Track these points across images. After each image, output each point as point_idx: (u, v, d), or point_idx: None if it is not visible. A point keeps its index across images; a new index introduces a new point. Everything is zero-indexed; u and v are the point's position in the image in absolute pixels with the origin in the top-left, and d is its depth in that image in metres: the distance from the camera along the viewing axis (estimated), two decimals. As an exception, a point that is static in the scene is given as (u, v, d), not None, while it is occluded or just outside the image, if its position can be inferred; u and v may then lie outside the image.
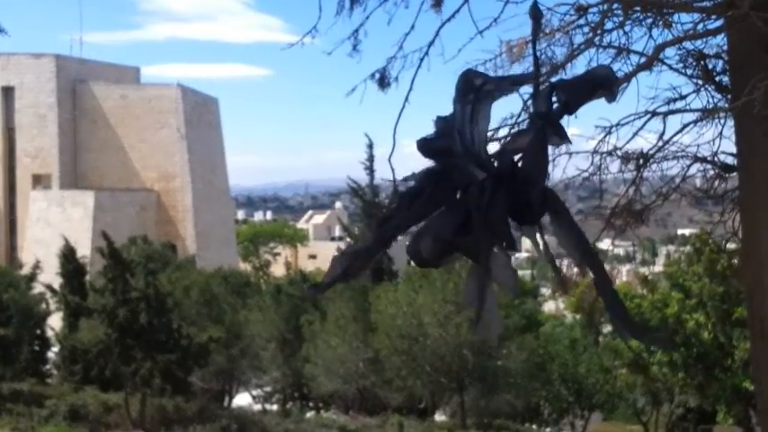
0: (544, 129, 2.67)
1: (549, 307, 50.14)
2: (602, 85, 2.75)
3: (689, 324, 22.27)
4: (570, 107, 2.73)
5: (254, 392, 34.40)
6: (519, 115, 5.68)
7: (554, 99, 2.88)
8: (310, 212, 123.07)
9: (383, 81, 5.41)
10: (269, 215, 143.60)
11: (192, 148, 66.95)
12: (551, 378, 31.39)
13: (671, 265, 25.40)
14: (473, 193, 2.48)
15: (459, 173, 2.54)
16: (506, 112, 5.85)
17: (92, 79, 67.88)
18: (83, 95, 67.44)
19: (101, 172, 66.25)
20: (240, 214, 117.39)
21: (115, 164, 66.55)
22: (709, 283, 22.36)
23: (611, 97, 2.86)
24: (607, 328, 36.38)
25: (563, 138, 2.68)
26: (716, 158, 6.44)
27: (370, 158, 54.02)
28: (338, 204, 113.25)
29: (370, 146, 54.09)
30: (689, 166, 6.58)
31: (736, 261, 15.97)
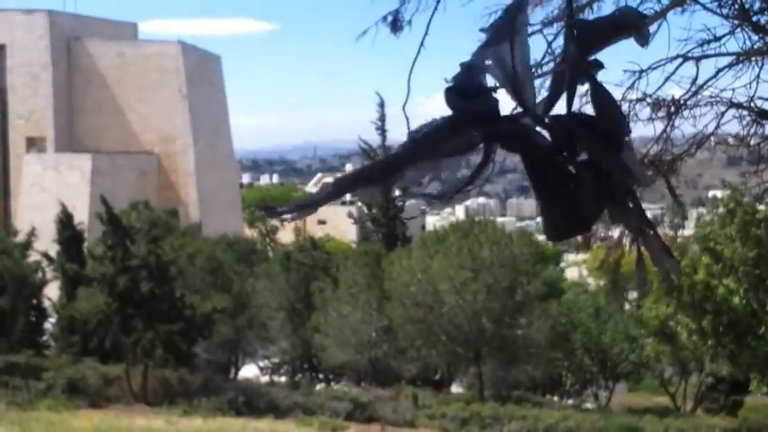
0: (579, 74, 2.61)
1: (571, 274, 50.11)
2: (629, 26, 2.67)
3: (719, 290, 22.16)
4: (589, 50, 2.66)
5: (262, 364, 34.56)
6: (543, 58, 5.57)
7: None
8: (319, 176, 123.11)
9: (396, 24, 5.30)
10: (275, 179, 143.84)
11: (194, 109, 66.76)
12: (574, 348, 31.40)
13: (703, 227, 25.22)
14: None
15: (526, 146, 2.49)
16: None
17: (87, 36, 67.60)
18: (78, 53, 67.22)
19: (98, 134, 66.17)
20: (245, 178, 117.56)
21: (113, 126, 66.43)
22: (742, 247, 22.22)
23: (643, 40, 2.78)
24: (633, 295, 36.31)
25: (599, 65, 2.63)
26: (752, 104, 6.31)
27: (382, 118, 53.81)
28: (348, 167, 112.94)
29: (381, 104, 53.84)
30: (723, 113, 6.45)
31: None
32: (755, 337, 22.40)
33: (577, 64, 2.66)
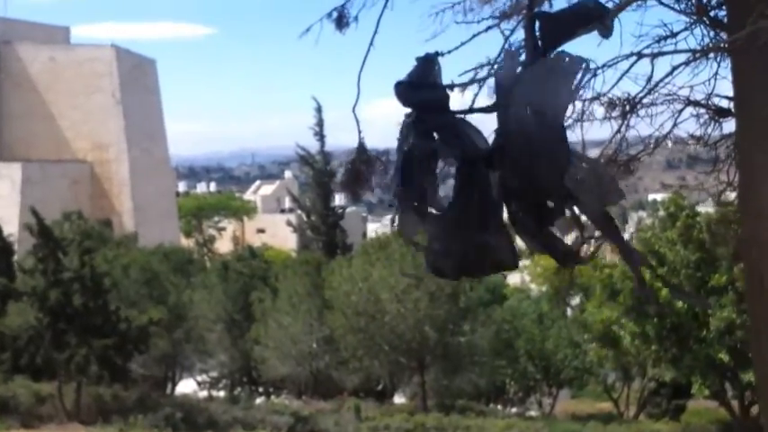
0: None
1: (513, 280, 50.37)
2: (592, 17, 2.54)
3: (662, 293, 22.31)
4: (552, 43, 2.50)
5: (200, 378, 34.06)
6: (499, 55, 5.39)
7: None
8: (258, 183, 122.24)
9: (341, 20, 5.08)
10: (213, 186, 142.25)
11: (128, 115, 65.88)
12: (518, 355, 31.49)
13: (645, 230, 25.46)
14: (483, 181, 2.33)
15: (457, 144, 2.36)
16: (483, 53, 5.56)
17: (17, 40, 66.38)
18: (7, 58, 65.95)
19: (28, 142, 64.94)
20: (181, 186, 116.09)
21: (43, 133, 65.26)
22: (683, 250, 22.43)
23: (607, 31, 2.65)
24: (575, 301, 36.57)
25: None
26: (709, 102, 6.23)
27: (320, 123, 53.61)
28: (288, 174, 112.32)
29: (319, 109, 53.64)
30: (680, 111, 6.37)
31: (714, 226, 15.89)
32: (697, 341, 22.59)
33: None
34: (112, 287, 26.26)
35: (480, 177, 2.40)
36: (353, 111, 4.00)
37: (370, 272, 27.09)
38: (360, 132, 3.80)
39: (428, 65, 2.49)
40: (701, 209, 21.48)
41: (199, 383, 33.99)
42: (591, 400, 36.13)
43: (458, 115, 2.46)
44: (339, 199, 51.77)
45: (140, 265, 31.97)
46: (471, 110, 2.50)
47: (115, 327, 24.58)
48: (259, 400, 30.14)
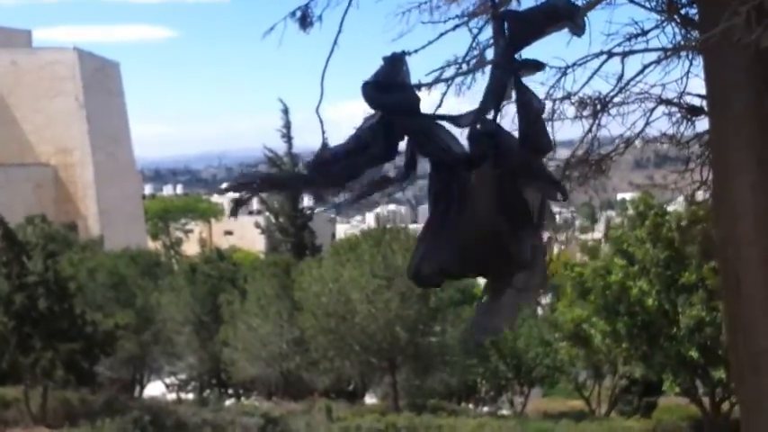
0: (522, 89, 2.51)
1: (483, 280, 50.46)
2: (562, 16, 2.55)
3: (633, 291, 22.49)
4: (520, 41, 2.51)
5: (168, 381, 33.87)
6: (467, 54, 5.38)
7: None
8: (225, 185, 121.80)
9: (305, 20, 5.05)
10: (179, 189, 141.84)
11: (92, 118, 65.35)
12: (488, 354, 31.56)
13: (615, 228, 25.63)
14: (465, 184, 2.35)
15: (433, 144, 2.36)
16: (451, 52, 5.55)
17: (-23, 44, 65.71)
18: (-33, 62, 65.28)
19: (-10, 146, 64.32)
20: (147, 189, 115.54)
21: (6, 137, 64.57)
22: (653, 249, 22.59)
23: (578, 29, 2.66)
24: (546, 300, 36.68)
25: (538, 67, 2.50)
26: (681, 100, 6.25)
27: (287, 125, 53.53)
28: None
29: (286, 111, 53.56)
30: (652, 110, 6.38)
31: (684, 224, 16.04)
32: (668, 338, 22.76)
33: (509, 61, 2.49)
34: (78, 291, 26.06)
35: (460, 180, 2.40)
36: (317, 111, 3.97)
37: (340, 273, 27.08)
38: (324, 133, 3.77)
39: (395, 65, 2.46)
40: (670, 208, 21.62)
41: (167, 386, 33.80)
42: (562, 398, 36.28)
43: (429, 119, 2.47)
44: (307, 200, 51.68)
45: (107, 269, 31.76)
46: (439, 116, 2.48)
47: (81, 330, 24.40)
48: (229, 402, 30.02)
